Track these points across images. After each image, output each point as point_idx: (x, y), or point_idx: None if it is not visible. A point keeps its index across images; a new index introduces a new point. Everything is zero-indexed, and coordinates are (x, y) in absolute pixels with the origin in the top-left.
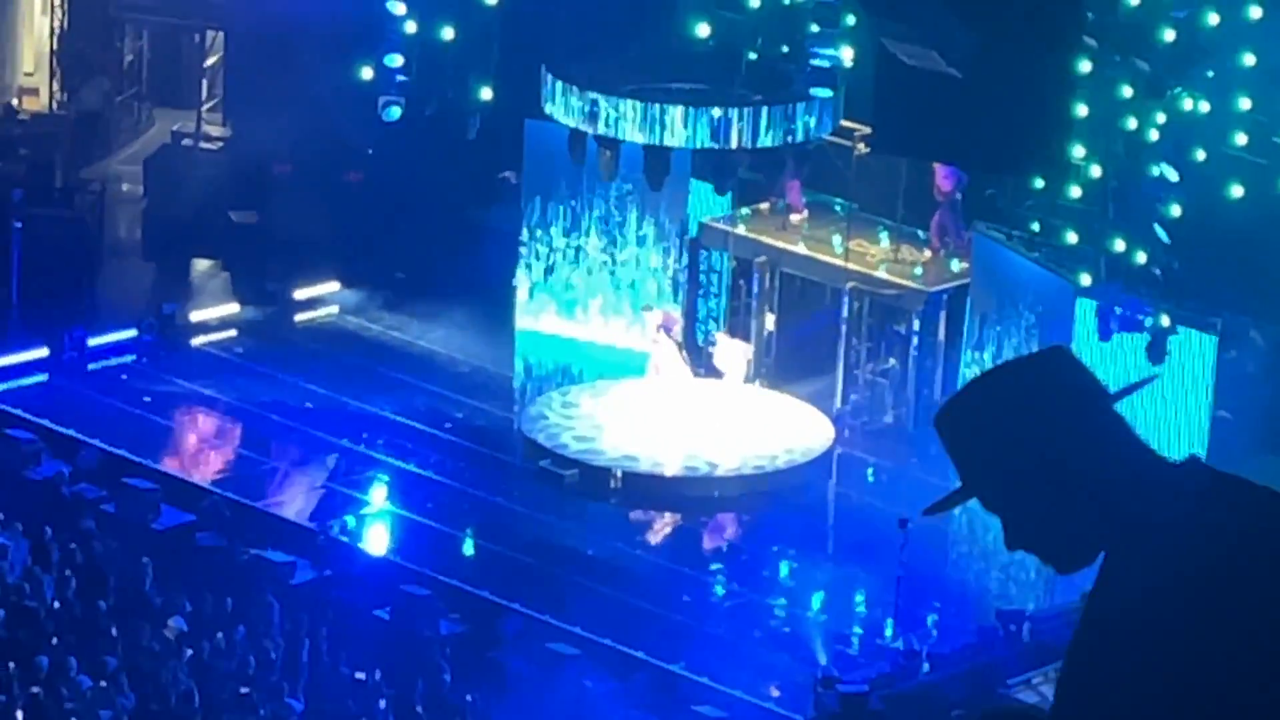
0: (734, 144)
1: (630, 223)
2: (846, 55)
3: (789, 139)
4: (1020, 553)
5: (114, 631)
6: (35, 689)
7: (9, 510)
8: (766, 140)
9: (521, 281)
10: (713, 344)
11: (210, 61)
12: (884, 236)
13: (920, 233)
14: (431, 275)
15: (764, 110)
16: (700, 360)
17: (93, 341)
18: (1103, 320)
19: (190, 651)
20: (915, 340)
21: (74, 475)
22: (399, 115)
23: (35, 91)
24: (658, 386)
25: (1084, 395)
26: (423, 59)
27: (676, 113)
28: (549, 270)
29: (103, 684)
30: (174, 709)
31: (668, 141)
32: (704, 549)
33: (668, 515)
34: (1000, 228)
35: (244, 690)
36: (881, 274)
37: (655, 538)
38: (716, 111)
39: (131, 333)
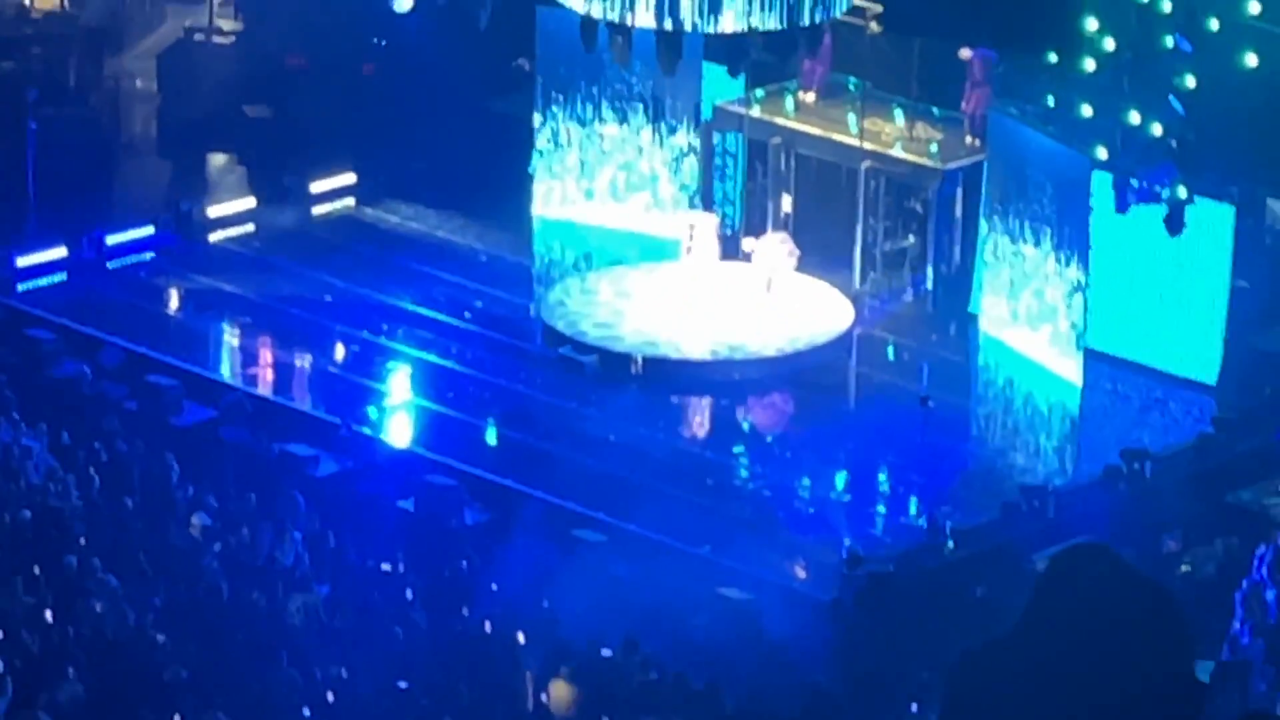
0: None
1: (644, 108)
2: None
3: (816, 19)
4: (1042, 428)
5: (140, 529)
6: (63, 589)
7: (32, 411)
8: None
9: (537, 169)
10: (745, 249)
11: None
12: (899, 114)
13: (935, 110)
14: (448, 165)
15: None
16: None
17: (111, 240)
18: (1120, 193)
19: (217, 546)
20: (932, 218)
21: (95, 374)
22: (410, 6)
23: None
24: (675, 271)
25: None
26: None
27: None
28: (564, 157)
29: (130, 582)
30: (201, 604)
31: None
32: (726, 432)
33: (689, 399)
34: (1014, 103)
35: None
36: (897, 152)
37: (677, 422)
38: None
39: (149, 230)
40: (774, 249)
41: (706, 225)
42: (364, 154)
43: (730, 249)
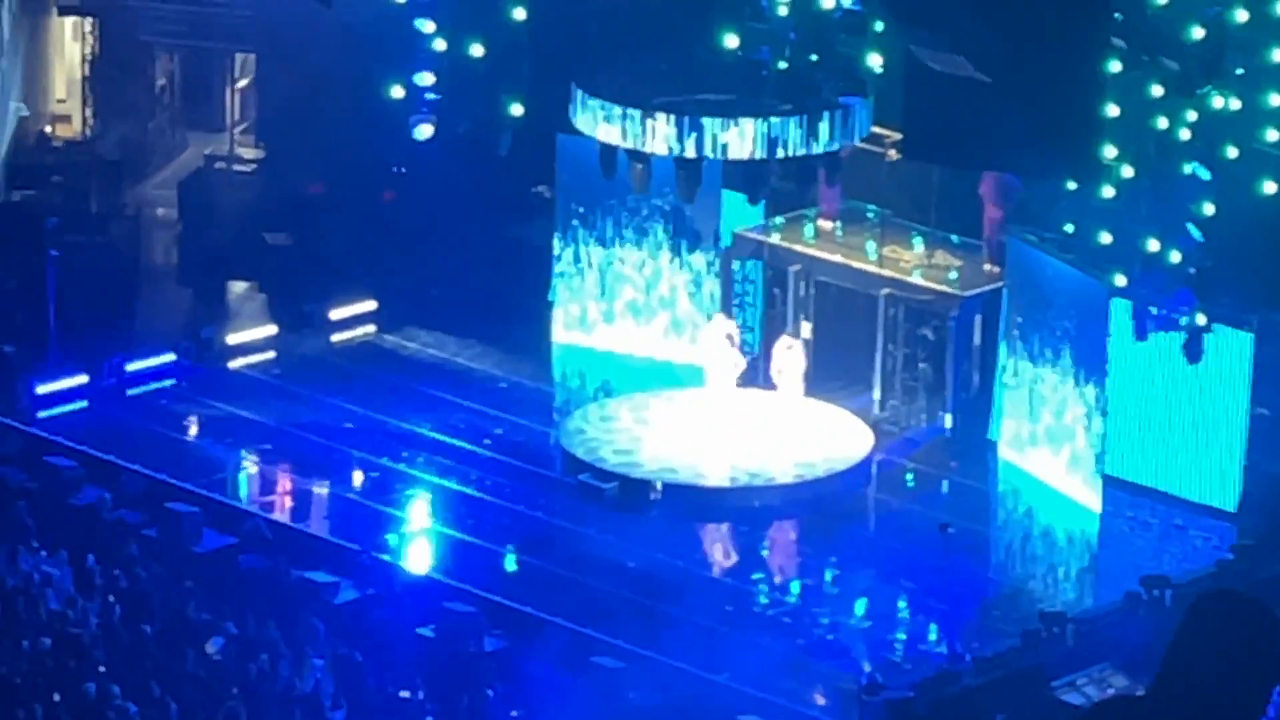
0: (780, 154)
1: (664, 235)
2: (875, 62)
3: (833, 146)
4: (1062, 555)
5: (159, 656)
6: (82, 716)
7: (52, 538)
8: (816, 148)
9: (557, 296)
10: (749, 351)
11: (241, 84)
12: (918, 242)
13: (954, 237)
14: (467, 292)
15: (801, 119)
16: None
17: (131, 367)
18: (1138, 320)
19: (235, 673)
20: (951, 345)
21: (115, 501)
22: (431, 133)
23: (68, 119)
24: (695, 397)
25: None
26: (453, 76)
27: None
28: (584, 284)
29: (148, 709)
30: None
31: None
32: (745, 558)
33: (709, 526)
34: (1033, 230)
35: None
36: (916, 279)
37: (696, 549)
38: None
39: (170, 357)
40: (792, 355)
41: (734, 344)
42: (384, 281)
43: (750, 375)
